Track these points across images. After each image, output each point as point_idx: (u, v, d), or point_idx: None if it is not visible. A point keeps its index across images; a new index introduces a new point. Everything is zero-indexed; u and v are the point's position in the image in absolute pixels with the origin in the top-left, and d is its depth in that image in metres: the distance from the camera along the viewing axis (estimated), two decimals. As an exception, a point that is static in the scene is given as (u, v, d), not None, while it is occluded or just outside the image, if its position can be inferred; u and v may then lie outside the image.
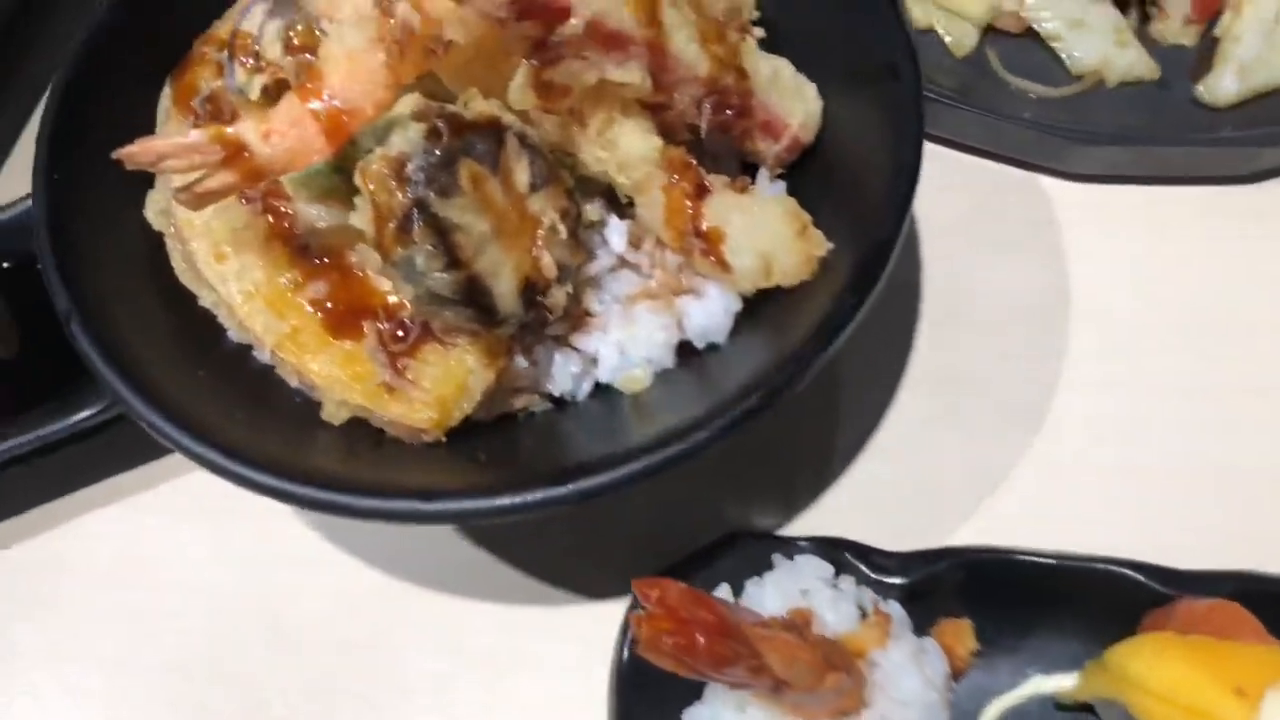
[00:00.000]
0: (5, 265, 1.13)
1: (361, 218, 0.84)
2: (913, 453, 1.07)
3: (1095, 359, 1.12)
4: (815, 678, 0.80)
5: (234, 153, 0.83)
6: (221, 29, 1.04)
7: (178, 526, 1.08)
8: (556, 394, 0.97)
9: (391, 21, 0.83)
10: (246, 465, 0.82)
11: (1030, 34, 1.26)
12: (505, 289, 0.87)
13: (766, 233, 0.89)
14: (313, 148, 0.83)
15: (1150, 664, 0.80)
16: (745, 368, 0.87)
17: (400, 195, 0.83)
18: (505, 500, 0.79)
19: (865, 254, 0.85)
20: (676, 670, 0.74)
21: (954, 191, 1.19)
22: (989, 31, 1.28)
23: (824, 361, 0.81)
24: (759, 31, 0.99)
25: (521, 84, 0.84)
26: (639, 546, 1.02)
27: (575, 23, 0.81)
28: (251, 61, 0.98)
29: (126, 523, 1.09)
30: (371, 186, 0.83)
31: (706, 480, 1.05)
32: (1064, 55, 1.24)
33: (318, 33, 0.96)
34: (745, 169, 1.01)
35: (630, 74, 0.85)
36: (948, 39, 1.27)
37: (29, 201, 1.10)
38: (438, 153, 0.83)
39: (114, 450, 1.09)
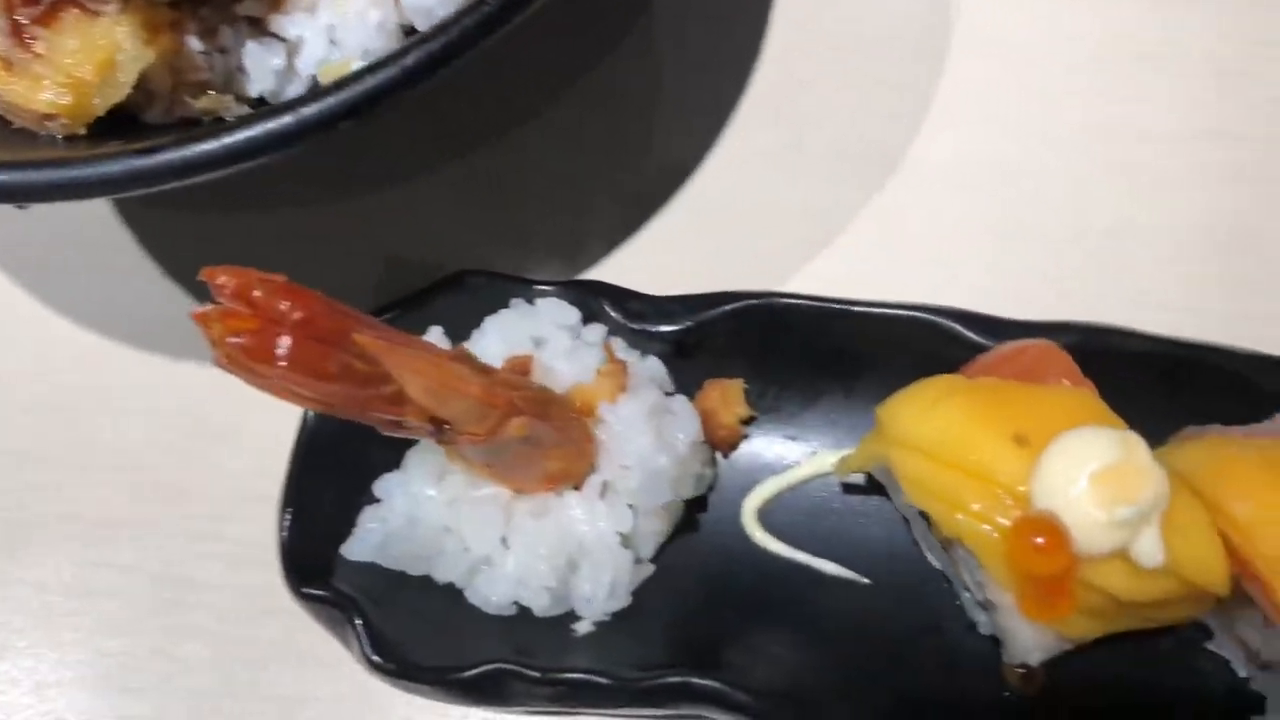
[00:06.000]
0: None
1: None
2: (732, 192, 0.86)
3: (975, 98, 0.90)
4: (490, 420, 0.63)
5: None
6: None
7: None
8: (254, 94, 0.78)
9: None
10: None
11: None
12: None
13: None
14: None
15: (921, 414, 0.61)
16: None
17: None
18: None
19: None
20: (260, 386, 0.56)
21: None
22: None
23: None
24: None
25: None
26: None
27: None
28: None
29: None
30: None
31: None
32: None
33: None
34: None
35: None
36: None
37: None
38: None
39: None
